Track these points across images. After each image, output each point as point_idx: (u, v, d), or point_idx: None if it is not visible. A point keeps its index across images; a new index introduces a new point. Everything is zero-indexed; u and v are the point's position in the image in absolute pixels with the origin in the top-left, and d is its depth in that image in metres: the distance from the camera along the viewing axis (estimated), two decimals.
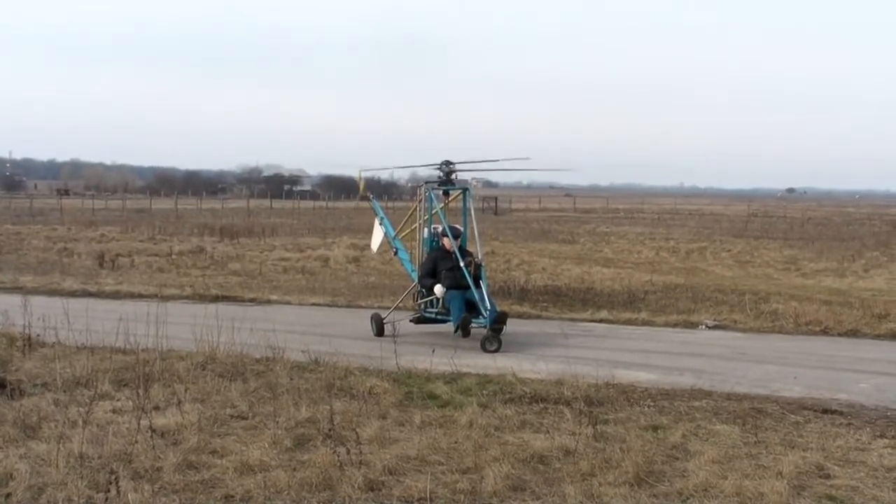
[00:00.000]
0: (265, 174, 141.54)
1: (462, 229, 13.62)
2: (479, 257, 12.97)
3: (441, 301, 12.75)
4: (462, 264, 12.67)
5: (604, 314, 15.68)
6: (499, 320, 12.26)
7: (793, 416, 8.79)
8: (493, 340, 12.05)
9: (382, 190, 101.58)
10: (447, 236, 13.09)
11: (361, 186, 16.16)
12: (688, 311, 16.17)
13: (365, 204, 17.75)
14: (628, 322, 15.15)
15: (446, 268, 12.83)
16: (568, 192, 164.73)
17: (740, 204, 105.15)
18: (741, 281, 22.26)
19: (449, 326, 12.90)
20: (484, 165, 14.22)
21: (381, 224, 15.16)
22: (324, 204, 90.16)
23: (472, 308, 12.44)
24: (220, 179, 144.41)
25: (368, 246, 20.76)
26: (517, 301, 16.91)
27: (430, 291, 12.95)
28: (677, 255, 31.43)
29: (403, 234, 15.02)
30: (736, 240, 38.83)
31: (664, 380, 10.35)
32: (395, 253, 14.84)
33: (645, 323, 15.07)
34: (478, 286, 12.54)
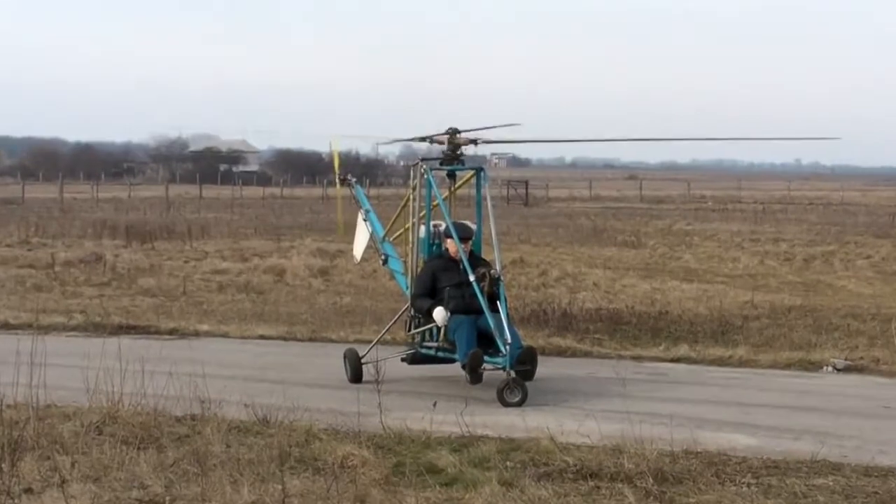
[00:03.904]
0: (192, 149, 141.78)
1: (474, 228, 13.59)
2: (498, 268, 12.96)
3: (443, 331, 12.73)
4: (473, 278, 12.65)
5: (683, 350, 15.67)
6: (524, 359, 12.25)
7: None
8: (516, 389, 12.04)
9: (363, 171, 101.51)
10: (452, 238, 13.07)
11: (336, 164, 16.13)
12: (807, 345, 16.14)
13: (344, 192, 17.58)
14: (719, 362, 15.14)
15: (451, 283, 12.83)
16: (632, 174, 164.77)
17: (885, 189, 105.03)
18: (886, 301, 22.16)
19: (456, 368, 12.88)
20: (506, 134, 14.19)
21: (366, 220, 15.15)
22: (278, 191, 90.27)
23: (486, 341, 12.43)
24: (127, 156, 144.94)
25: (349, 252, 20.72)
26: (557, 331, 16.89)
27: (428, 317, 12.93)
28: (791, 263, 31.35)
29: (396, 234, 14.98)
30: (879, 241, 38.71)
31: (771, 446, 10.33)
32: (385, 261, 14.81)
33: (743, 363, 15.06)
34: (495, 309, 12.52)
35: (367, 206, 15.43)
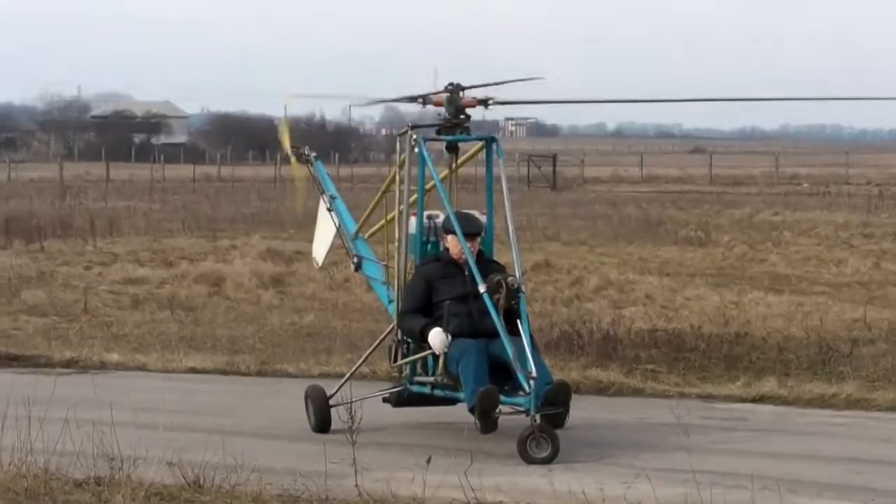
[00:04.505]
0: (96, 113, 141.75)
1: (484, 220, 13.61)
2: (518, 275, 13.00)
3: (442, 360, 12.76)
4: (483, 289, 12.70)
5: (769, 387, 15.70)
6: (555, 399, 12.25)
7: None
8: (544, 440, 12.05)
9: (329, 144, 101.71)
10: (454, 233, 13.10)
11: (285, 136, 16.10)
12: None
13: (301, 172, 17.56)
14: (819, 402, 15.19)
15: (452, 296, 12.85)
16: (698, 145, 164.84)
17: None
18: None
19: (459, 410, 12.91)
20: (527, 92, 14.22)
21: (330, 209, 15.15)
22: (214, 170, 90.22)
23: (501, 374, 12.47)
24: (6, 122, 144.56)
25: (309, 253, 20.75)
26: (596, 361, 16.96)
27: (422, 341, 12.97)
28: None
29: (375, 228, 14.98)
30: None
31: None
32: (358, 266, 14.85)
33: (852, 403, 15.10)
34: (514, 332, 12.56)
35: (333, 190, 15.39)
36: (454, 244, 13.12)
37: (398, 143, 14.30)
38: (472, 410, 12.32)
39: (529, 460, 11.94)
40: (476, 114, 13.95)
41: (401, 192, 13.84)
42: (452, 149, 13.94)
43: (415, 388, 13.24)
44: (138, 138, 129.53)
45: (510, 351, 12.36)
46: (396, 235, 13.88)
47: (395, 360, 13.48)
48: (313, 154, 15.74)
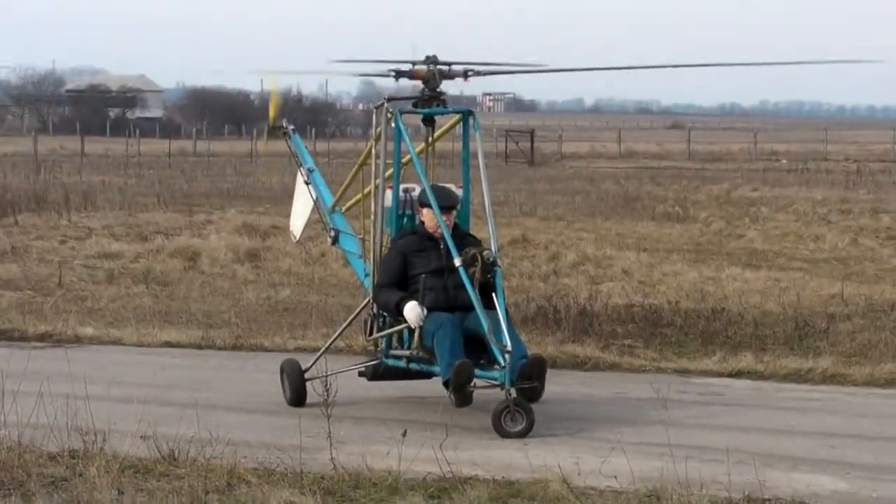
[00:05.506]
0: (71, 87, 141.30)
1: (460, 193, 13.61)
2: (494, 249, 13.01)
3: (417, 334, 12.77)
4: (458, 262, 12.70)
5: (746, 362, 15.73)
6: (530, 373, 12.28)
7: None
8: (519, 414, 12.07)
9: (307, 118, 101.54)
10: (430, 206, 13.11)
11: (272, 108, 16.12)
12: None
13: (277, 147, 17.63)
14: (795, 377, 15.24)
15: (428, 269, 12.85)
16: (677, 121, 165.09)
17: None
18: None
19: (434, 384, 12.94)
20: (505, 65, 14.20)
21: (308, 182, 15.14)
22: (189, 144, 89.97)
23: (476, 348, 12.49)
24: None
25: (285, 228, 20.73)
26: (573, 336, 16.98)
27: (398, 315, 12.98)
28: None
29: (352, 201, 15.00)
30: None
31: (866, 491, 10.36)
32: (335, 239, 14.84)
33: (828, 378, 15.14)
34: (489, 305, 12.57)
35: (311, 163, 15.36)
36: (430, 218, 13.12)
37: (374, 116, 14.27)
38: (447, 384, 12.34)
39: (504, 434, 11.98)
40: (454, 88, 13.96)
41: (376, 165, 13.85)
42: (429, 121, 13.94)
43: (390, 362, 13.27)
44: (113, 112, 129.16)
45: (485, 324, 12.37)
46: (373, 209, 13.89)
47: (371, 334, 13.50)
48: (291, 127, 15.72)
